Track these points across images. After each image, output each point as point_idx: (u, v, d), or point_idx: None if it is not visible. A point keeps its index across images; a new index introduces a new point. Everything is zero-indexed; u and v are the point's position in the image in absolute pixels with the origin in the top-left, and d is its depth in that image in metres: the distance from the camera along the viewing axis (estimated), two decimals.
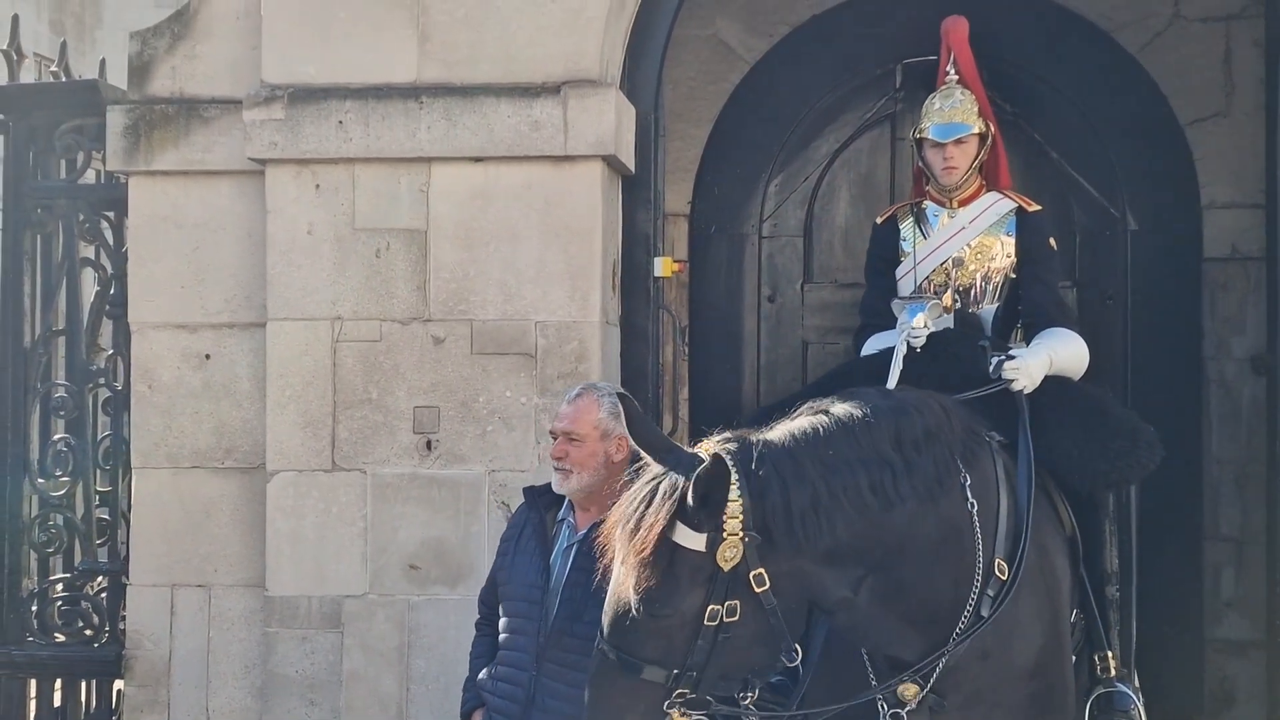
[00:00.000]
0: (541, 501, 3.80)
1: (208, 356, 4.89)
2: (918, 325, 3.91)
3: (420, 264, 4.68)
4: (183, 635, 4.89)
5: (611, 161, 4.70)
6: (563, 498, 3.74)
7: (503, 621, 3.76)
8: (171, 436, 4.90)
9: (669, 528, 2.88)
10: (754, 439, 3.02)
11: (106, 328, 5.21)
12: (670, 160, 5.46)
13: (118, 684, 5.09)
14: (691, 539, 2.88)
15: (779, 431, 3.07)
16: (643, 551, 2.86)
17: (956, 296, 4.37)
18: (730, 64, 6.28)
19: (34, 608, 5.16)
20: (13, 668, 5.12)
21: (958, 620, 3.22)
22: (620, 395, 3.27)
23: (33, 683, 5.19)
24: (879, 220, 4.61)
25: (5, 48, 5.34)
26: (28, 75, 5.52)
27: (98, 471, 5.18)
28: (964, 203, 4.40)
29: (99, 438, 5.20)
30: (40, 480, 5.16)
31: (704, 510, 2.88)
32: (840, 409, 3.13)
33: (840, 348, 5.93)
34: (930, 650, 3.22)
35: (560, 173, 4.65)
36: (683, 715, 2.91)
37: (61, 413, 5.17)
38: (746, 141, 6.21)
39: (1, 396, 5.19)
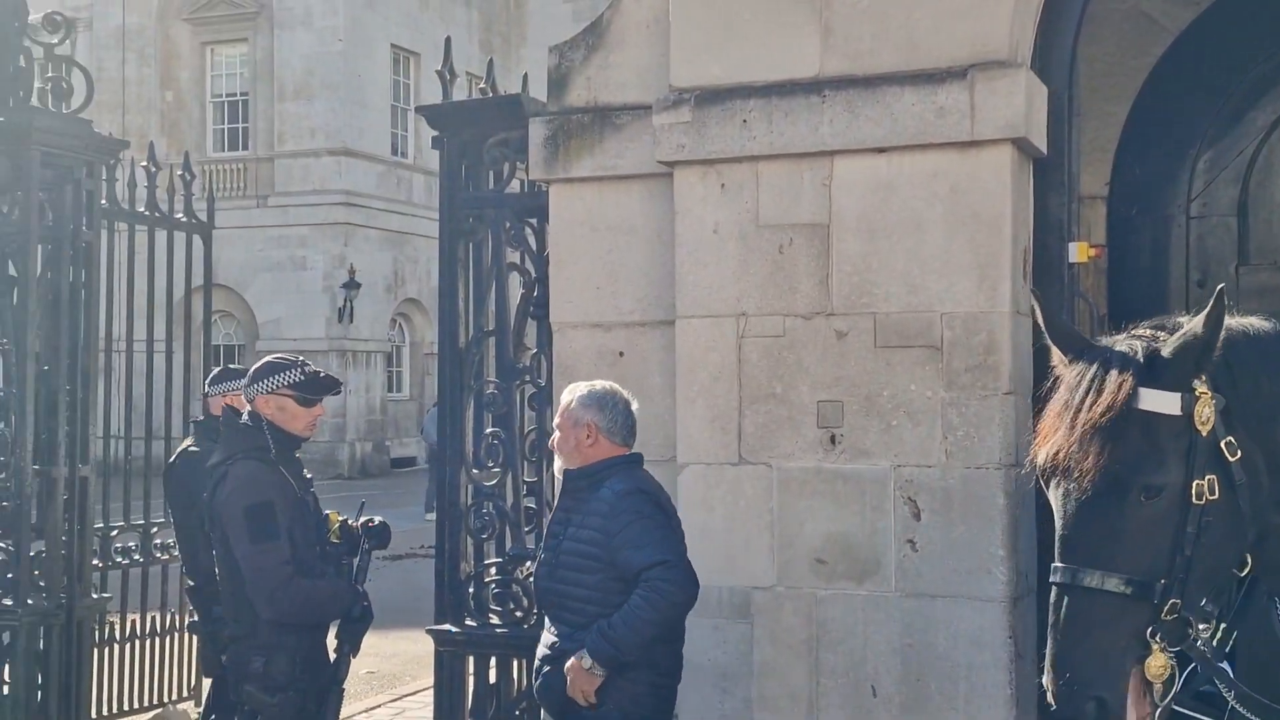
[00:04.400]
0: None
1: (621, 354, 5.08)
2: None
3: (822, 258, 4.67)
4: None
5: (1021, 144, 4.52)
6: None
7: None
8: None
9: (1133, 397, 2.56)
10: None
11: (531, 328, 5.51)
12: (1086, 140, 5.20)
13: None
14: (1163, 402, 2.55)
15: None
16: (1108, 417, 2.52)
17: None
18: (1152, 36, 5.92)
19: (470, 589, 5.52)
20: (453, 645, 5.50)
21: None
22: (1032, 291, 3.10)
23: (470, 660, 5.56)
24: None
25: (439, 68, 5.75)
26: (460, 93, 5.91)
27: (524, 463, 5.49)
28: None
29: (525, 431, 5.50)
30: (475, 470, 5.51)
31: (1173, 370, 2.56)
32: None
33: None
34: None
35: (967, 159, 4.51)
36: (1162, 649, 2.52)
37: (492, 408, 5.50)
38: (1171, 117, 5.84)
39: (441, 393, 5.61)
